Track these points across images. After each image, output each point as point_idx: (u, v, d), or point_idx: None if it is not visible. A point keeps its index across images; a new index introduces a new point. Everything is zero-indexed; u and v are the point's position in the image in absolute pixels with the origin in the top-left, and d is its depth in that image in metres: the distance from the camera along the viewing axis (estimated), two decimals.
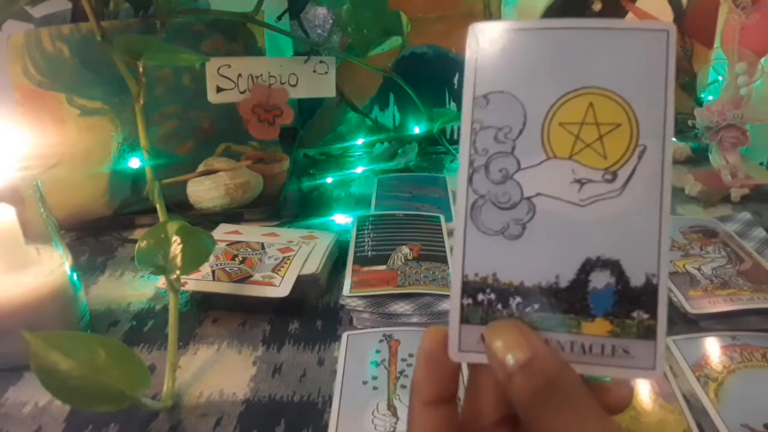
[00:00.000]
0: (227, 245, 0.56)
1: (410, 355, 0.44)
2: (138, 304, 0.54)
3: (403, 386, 0.41)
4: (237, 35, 0.71)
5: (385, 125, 0.90)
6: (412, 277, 0.51)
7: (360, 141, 0.89)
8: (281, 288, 0.49)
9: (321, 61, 0.70)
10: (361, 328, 0.48)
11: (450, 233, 0.59)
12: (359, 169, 0.82)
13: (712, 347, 0.43)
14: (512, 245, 0.23)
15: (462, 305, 0.23)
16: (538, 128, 0.22)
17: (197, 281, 0.51)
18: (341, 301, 0.50)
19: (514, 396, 0.21)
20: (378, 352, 0.44)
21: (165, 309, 0.52)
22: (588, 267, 0.22)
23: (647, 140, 0.22)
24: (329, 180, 0.80)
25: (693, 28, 0.83)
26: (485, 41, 0.23)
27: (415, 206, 0.68)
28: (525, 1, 0.83)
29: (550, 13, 0.82)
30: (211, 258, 0.53)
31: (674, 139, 0.81)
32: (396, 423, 0.38)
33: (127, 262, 0.61)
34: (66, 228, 0.66)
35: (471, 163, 0.23)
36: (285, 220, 0.69)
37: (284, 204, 0.73)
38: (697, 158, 0.80)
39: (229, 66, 0.67)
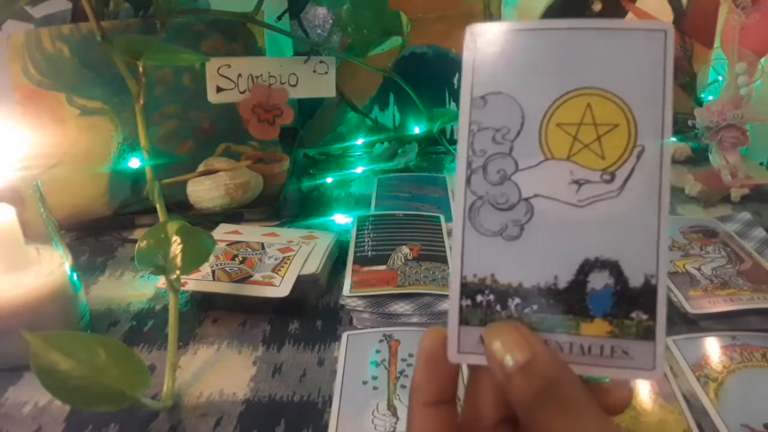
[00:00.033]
0: (227, 245, 0.56)
1: (410, 355, 0.44)
2: (138, 304, 0.54)
3: (403, 386, 0.41)
4: (237, 35, 0.71)
5: (385, 125, 0.90)
6: (412, 277, 0.51)
7: (360, 141, 0.89)
8: (281, 288, 0.49)
9: (321, 61, 0.70)
10: (361, 328, 0.48)
11: (450, 233, 0.59)
12: (359, 169, 0.82)
13: (712, 347, 0.43)
14: (511, 246, 0.23)
15: (461, 307, 0.23)
16: (536, 129, 0.22)
17: (197, 281, 0.51)
18: (341, 301, 0.50)
19: (513, 397, 0.21)
20: (378, 352, 0.44)
21: (165, 309, 0.52)
22: (587, 268, 0.22)
23: (645, 140, 0.22)
24: (329, 180, 0.80)
25: (693, 28, 0.83)
26: (482, 42, 0.23)
27: (415, 206, 0.68)
28: (525, 1, 0.83)
29: (549, 13, 0.82)
30: (211, 258, 0.53)
31: (674, 139, 0.82)
32: (396, 423, 0.38)
33: (127, 262, 0.61)
34: (66, 228, 0.66)
35: (469, 164, 0.23)
36: (285, 220, 0.69)
37: (284, 204, 0.73)
38: (697, 158, 0.80)
39: (229, 66, 0.67)
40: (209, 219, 0.65)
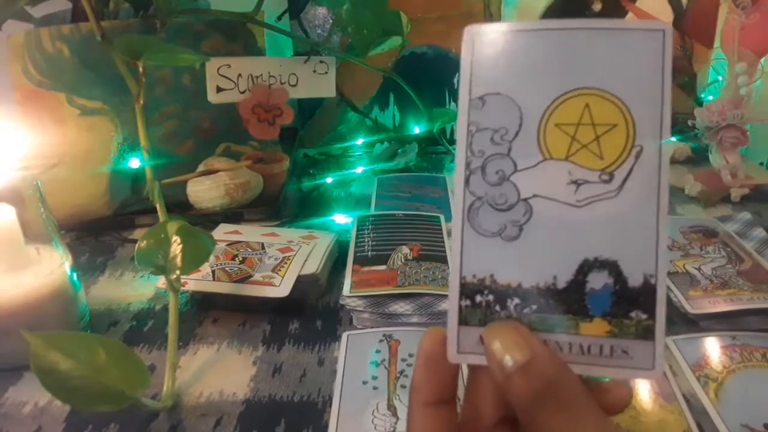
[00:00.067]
0: (227, 245, 0.56)
1: (410, 355, 0.44)
2: (138, 304, 0.54)
3: (403, 386, 0.41)
4: (237, 35, 0.71)
5: (385, 125, 0.90)
6: (412, 277, 0.51)
7: (360, 141, 0.89)
8: (281, 288, 0.50)
9: (321, 61, 0.70)
10: (361, 328, 0.48)
11: (450, 233, 0.59)
12: (359, 169, 0.82)
13: (712, 347, 0.43)
14: (510, 247, 0.23)
15: (460, 307, 0.23)
16: (535, 129, 0.23)
17: (197, 281, 0.51)
18: (341, 301, 0.50)
19: (512, 397, 0.21)
20: (378, 352, 0.44)
21: (165, 309, 0.52)
22: (586, 268, 0.22)
23: (644, 140, 0.22)
24: (329, 180, 0.80)
25: (693, 28, 0.83)
26: (481, 43, 0.23)
27: (415, 206, 0.68)
28: (525, 1, 0.83)
29: (549, 13, 0.82)
30: (211, 258, 0.53)
31: (674, 139, 0.82)
32: (396, 423, 0.38)
33: (127, 262, 0.61)
34: (66, 228, 0.66)
35: (468, 165, 0.23)
36: (285, 220, 0.69)
37: (284, 204, 0.73)
38: (697, 158, 0.80)
39: (229, 66, 0.67)
40: (209, 219, 0.65)
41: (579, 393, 0.21)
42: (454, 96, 0.89)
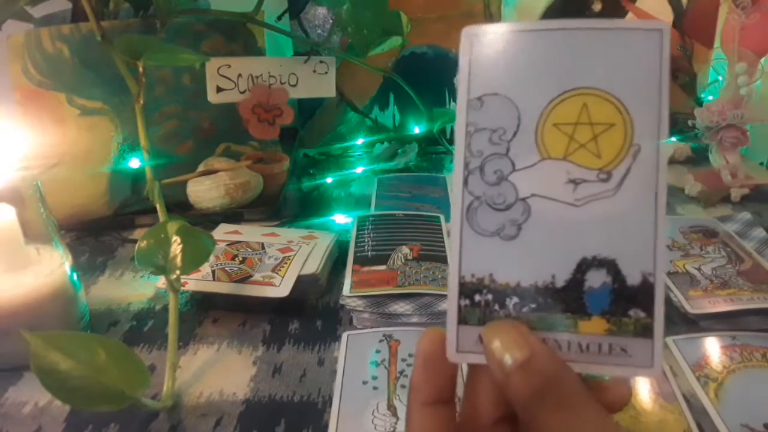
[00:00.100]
0: (227, 245, 0.56)
1: (410, 355, 0.44)
2: (138, 304, 0.54)
3: (403, 386, 0.41)
4: (237, 35, 0.71)
5: (385, 125, 0.90)
6: (412, 277, 0.51)
7: (360, 141, 0.89)
8: (281, 288, 0.50)
9: (321, 61, 0.70)
10: (361, 328, 0.48)
11: (450, 233, 0.59)
12: (359, 169, 0.82)
13: (712, 347, 0.43)
14: (508, 246, 0.23)
15: (459, 306, 0.23)
16: (533, 129, 0.23)
17: (197, 281, 0.51)
18: (341, 301, 0.50)
19: (512, 395, 0.21)
20: (378, 352, 0.44)
21: (165, 309, 0.52)
22: (584, 266, 0.22)
23: (641, 139, 0.22)
24: (329, 180, 0.80)
25: (693, 28, 0.83)
26: (478, 44, 0.23)
27: (415, 206, 0.68)
28: (525, 1, 0.83)
29: (549, 13, 0.82)
30: (211, 258, 0.53)
31: (674, 139, 0.82)
32: (396, 423, 0.38)
33: (127, 262, 0.61)
34: (66, 228, 0.66)
35: (466, 165, 0.23)
36: (285, 220, 0.69)
37: (284, 204, 0.73)
38: (697, 158, 0.80)
39: (229, 66, 0.67)
40: (209, 219, 0.65)
41: (579, 390, 0.21)
42: (454, 96, 0.88)
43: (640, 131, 0.22)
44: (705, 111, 0.69)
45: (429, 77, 0.86)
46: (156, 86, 0.69)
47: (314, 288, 0.53)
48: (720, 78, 0.70)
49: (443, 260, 0.54)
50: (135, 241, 0.58)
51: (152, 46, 0.50)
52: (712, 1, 0.80)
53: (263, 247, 0.56)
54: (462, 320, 0.23)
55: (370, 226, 0.61)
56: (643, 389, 0.40)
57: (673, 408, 0.38)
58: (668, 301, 0.48)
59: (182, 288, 0.46)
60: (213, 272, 0.52)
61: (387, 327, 0.47)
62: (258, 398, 0.42)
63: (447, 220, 0.62)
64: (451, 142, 0.88)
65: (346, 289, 0.50)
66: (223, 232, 0.59)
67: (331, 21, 0.85)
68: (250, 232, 0.60)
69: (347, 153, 0.89)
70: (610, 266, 0.22)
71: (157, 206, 0.48)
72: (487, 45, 0.23)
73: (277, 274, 0.51)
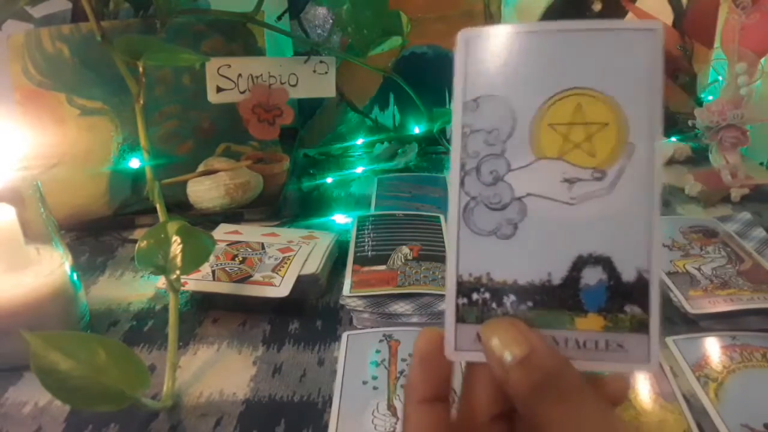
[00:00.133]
0: (227, 245, 0.56)
1: (410, 355, 0.43)
2: (138, 304, 0.54)
3: (403, 386, 0.41)
4: (237, 35, 0.71)
5: (385, 125, 0.90)
6: (412, 277, 0.51)
7: (360, 141, 0.89)
8: (281, 288, 0.50)
9: (321, 61, 0.70)
10: (361, 328, 0.48)
11: (447, 233, 0.59)
12: (359, 169, 0.82)
13: (712, 347, 0.43)
14: (505, 245, 0.23)
15: (457, 305, 0.23)
16: (528, 130, 0.23)
17: (197, 281, 0.51)
18: (341, 301, 0.50)
19: (512, 391, 0.21)
20: (378, 352, 0.44)
21: (165, 309, 0.52)
22: (580, 264, 0.22)
23: (636, 138, 0.22)
24: (329, 180, 0.80)
25: (693, 28, 0.83)
26: (473, 47, 0.23)
27: (415, 206, 0.68)
28: (525, 1, 0.83)
29: (549, 13, 0.82)
30: (211, 258, 0.53)
31: (674, 139, 0.82)
32: (396, 423, 0.38)
33: (127, 262, 0.61)
34: (66, 228, 0.66)
35: (462, 165, 0.23)
36: (285, 220, 0.69)
37: (284, 204, 0.73)
38: (697, 158, 0.80)
39: (229, 66, 0.67)
40: (209, 219, 0.65)
41: (579, 384, 0.21)
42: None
43: (634, 130, 0.22)
44: (705, 111, 0.69)
45: (429, 77, 0.86)
46: (156, 86, 0.69)
47: (314, 288, 0.53)
48: (720, 78, 0.70)
49: (443, 260, 0.54)
50: (135, 241, 0.58)
51: (152, 46, 0.50)
52: (712, 1, 0.80)
53: (263, 247, 0.56)
54: (460, 319, 0.23)
55: (370, 226, 0.61)
56: (643, 389, 0.40)
57: (673, 408, 0.38)
58: (668, 301, 0.48)
59: (182, 288, 0.46)
60: (213, 272, 0.52)
61: (387, 327, 0.47)
62: (258, 398, 0.42)
63: (447, 220, 0.62)
64: (450, 142, 0.88)
65: (346, 289, 0.50)
66: (223, 232, 0.59)
67: (331, 21, 0.85)
68: (250, 232, 0.60)
69: (347, 153, 0.89)
70: (606, 263, 0.22)
71: (157, 206, 0.48)
72: (481, 48, 0.23)
73: (277, 274, 0.51)
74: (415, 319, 0.48)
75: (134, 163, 0.69)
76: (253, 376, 0.44)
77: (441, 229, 0.60)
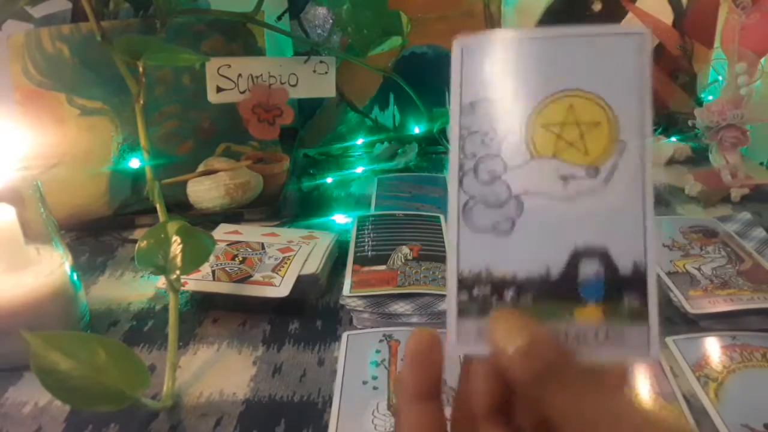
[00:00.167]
0: (227, 245, 0.56)
1: None
2: (138, 304, 0.54)
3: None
4: (237, 35, 0.71)
5: (385, 125, 0.90)
6: (412, 277, 0.51)
7: (360, 141, 0.89)
8: (281, 288, 0.50)
9: (321, 61, 0.70)
10: (361, 328, 0.48)
11: (447, 231, 0.59)
12: (359, 169, 0.82)
13: (712, 347, 0.43)
14: (503, 241, 0.24)
15: (459, 301, 0.24)
16: (523, 130, 0.24)
17: (197, 281, 0.51)
18: (341, 301, 0.50)
19: (516, 380, 0.22)
20: (378, 352, 0.44)
21: (165, 309, 0.52)
22: (577, 257, 0.23)
23: (626, 136, 0.23)
24: (329, 180, 0.80)
25: (693, 28, 0.83)
26: (469, 54, 0.25)
27: (415, 206, 0.68)
28: (525, 1, 0.83)
29: (549, 13, 0.82)
30: (211, 258, 0.53)
31: (674, 139, 0.82)
32: None
33: (127, 262, 0.61)
34: (66, 228, 0.66)
35: (461, 166, 0.24)
36: (285, 220, 0.69)
37: (284, 204, 0.73)
38: (697, 158, 0.80)
39: (229, 66, 0.67)
40: (209, 219, 0.65)
41: (581, 370, 0.22)
42: None
43: (624, 128, 0.23)
44: (705, 111, 0.69)
45: (429, 77, 0.86)
46: (156, 86, 0.69)
47: (314, 288, 0.53)
48: (720, 78, 0.70)
49: (443, 260, 0.54)
50: (135, 241, 0.58)
51: (152, 46, 0.50)
52: (712, 1, 0.80)
53: (263, 247, 0.56)
54: (461, 314, 0.24)
55: (370, 226, 0.61)
56: (644, 389, 0.40)
57: (673, 408, 0.38)
58: (668, 301, 0.48)
59: (182, 288, 0.46)
60: (213, 272, 0.52)
61: (387, 327, 0.47)
62: (258, 398, 0.42)
63: (447, 218, 0.62)
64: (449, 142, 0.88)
65: (346, 289, 0.50)
66: (223, 232, 0.59)
67: (331, 21, 0.85)
68: (250, 232, 0.60)
69: (347, 153, 0.89)
70: (602, 256, 0.23)
71: (157, 206, 0.48)
72: (476, 54, 0.24)
73: (277, 274, 0.51)
74: (415, 319, 0.48)
75: (134, 163, 0.69)
76: (253, 376, 0.44)
77: (441, 229, 0.60)
